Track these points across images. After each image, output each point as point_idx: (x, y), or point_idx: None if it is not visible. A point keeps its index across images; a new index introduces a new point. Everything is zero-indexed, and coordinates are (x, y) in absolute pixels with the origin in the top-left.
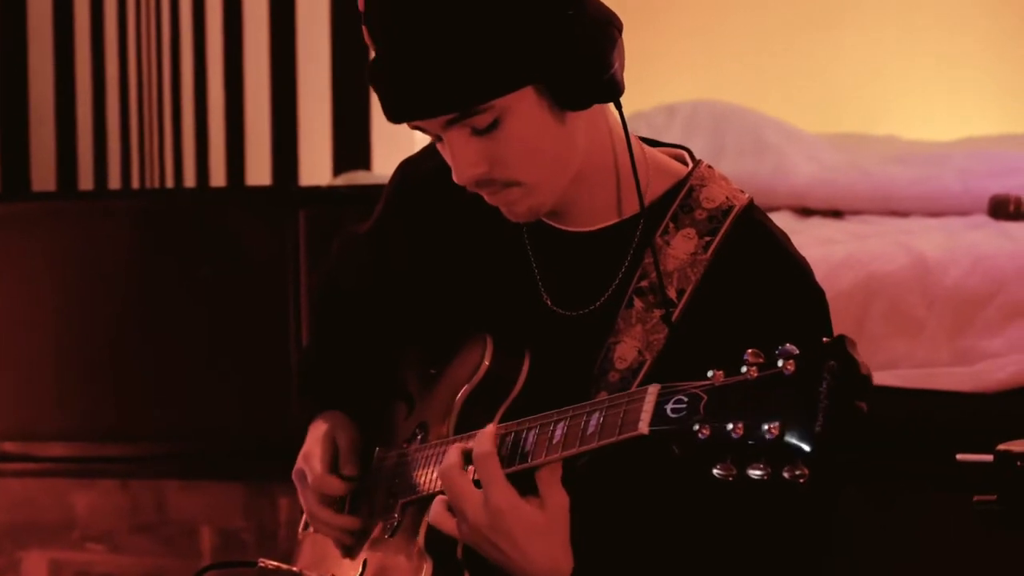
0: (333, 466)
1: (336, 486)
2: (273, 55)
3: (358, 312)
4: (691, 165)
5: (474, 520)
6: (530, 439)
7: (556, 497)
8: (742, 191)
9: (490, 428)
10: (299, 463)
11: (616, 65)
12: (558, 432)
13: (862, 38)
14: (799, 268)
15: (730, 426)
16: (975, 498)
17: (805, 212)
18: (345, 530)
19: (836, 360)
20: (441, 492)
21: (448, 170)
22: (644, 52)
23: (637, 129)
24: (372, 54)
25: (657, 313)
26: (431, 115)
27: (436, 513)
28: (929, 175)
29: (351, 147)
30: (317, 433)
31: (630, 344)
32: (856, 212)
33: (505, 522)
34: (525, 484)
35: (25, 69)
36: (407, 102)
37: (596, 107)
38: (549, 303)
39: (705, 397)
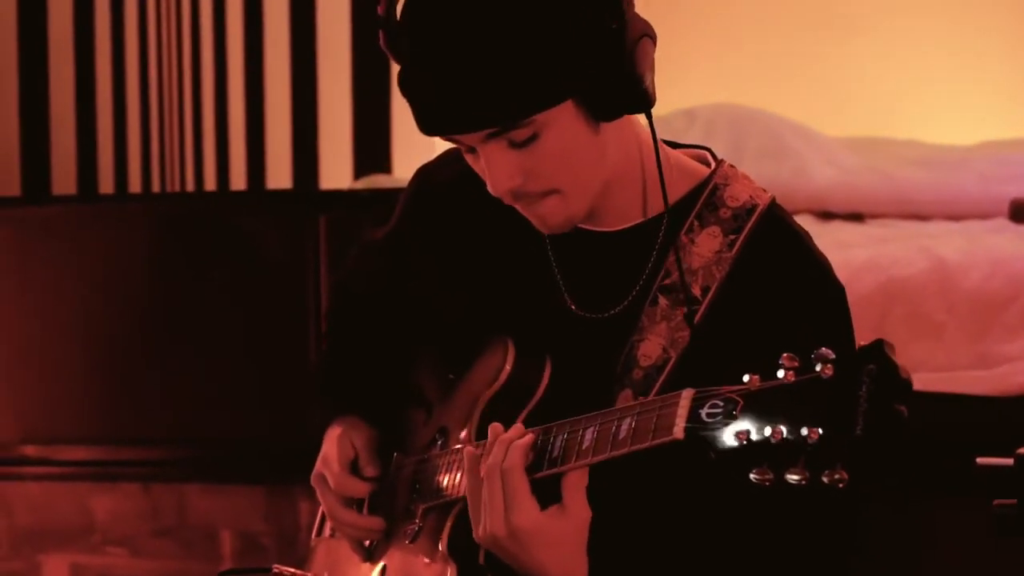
0: (352, 467)
1: (358, 487)
2: (293, 59)
3: (372, 318)
4: (714, 165)
5: (492, 530)
6: (559, 444)
7: (579, 507)
8: (764, 190)
9: (527, 439)
10: (318, 466)
11: (649, 77)
12: (588, 437)
13: (881, 41)
14: (821, 266)
15: (768, 430)
16: (995, 502)
17: (825, 216)
18: (370, 531)
19: (875, 364)
20: (463, 498)
21: (466, 176)
22: (661, 56)
23: (657, 134)
24: (401, 65)
25: (682, 311)
26: (474, 129)
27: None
28: (949, 179)
29: (371, 150)
30: (334, 436)
31: (655, 341)
32: (876, 216)
33: (523, 539)
34: (549, 487)
35: (46, 73)
36: (449, 116)
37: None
38: (572, 307)
39: (741, 401)
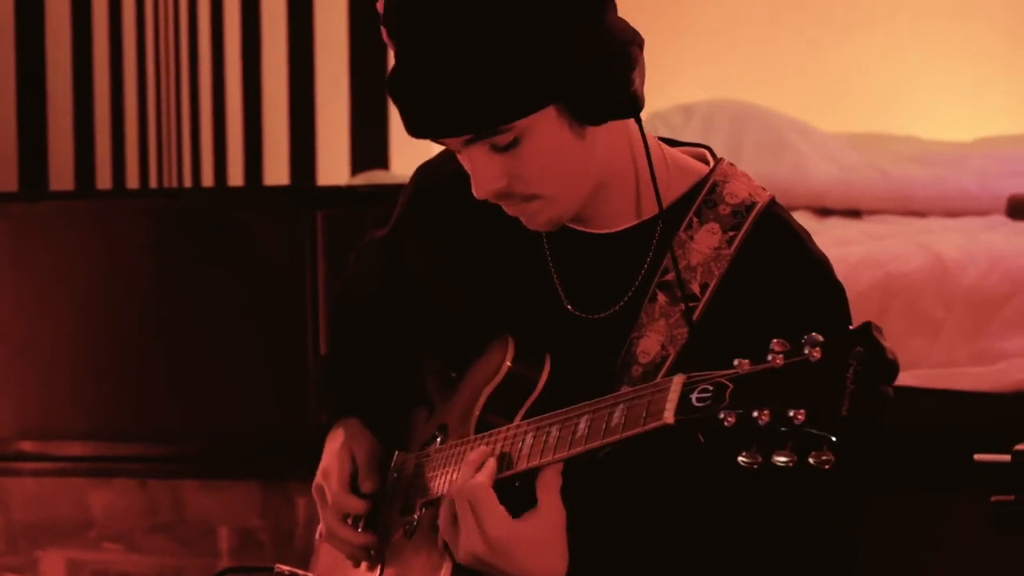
0: (352, 482)
1: (356, 505)
2: (291, 54)
3: (376, 318)
4: (713, 163)
5: (470, 548)
6: (553, 434)
7: (553, 506)
8: (764, 188)
9: (481, 450)
10: (318, 479)
11: (637, 82)
12: (582, 426)
13: (880, 38)
14: (819, 264)
15: (756, 413)
16: (993, 498)
17: (823, 212)
18: (364, 548)
19: (863, 346)
20: None
21: (465, 174)
22: (659, 52)
23: (655, 129)
24: (393, 58)
25: (681, 307)
26: (452, 134)
27: (443, 520)
28: (947, 175)
29: (369, 146)
30: (334, 447)
31: (653, 338)
32: (874, 212)
33: (503, 548)
34: (525, 493)
35: (43, 67)
36: (428, 120)
37: None
38: (569, 307)
39: (731, 385)
